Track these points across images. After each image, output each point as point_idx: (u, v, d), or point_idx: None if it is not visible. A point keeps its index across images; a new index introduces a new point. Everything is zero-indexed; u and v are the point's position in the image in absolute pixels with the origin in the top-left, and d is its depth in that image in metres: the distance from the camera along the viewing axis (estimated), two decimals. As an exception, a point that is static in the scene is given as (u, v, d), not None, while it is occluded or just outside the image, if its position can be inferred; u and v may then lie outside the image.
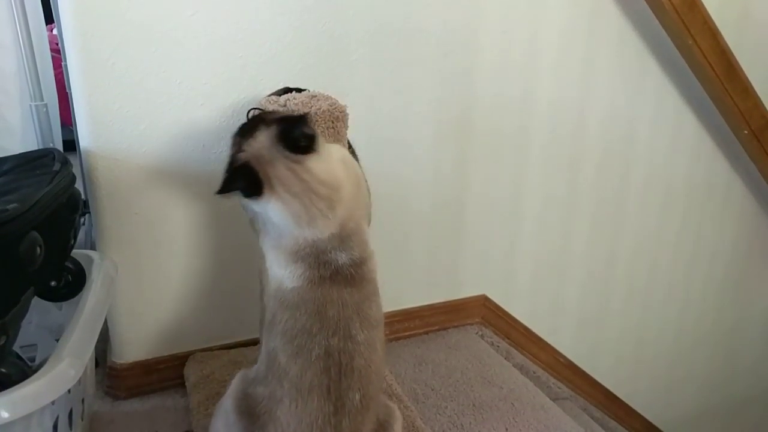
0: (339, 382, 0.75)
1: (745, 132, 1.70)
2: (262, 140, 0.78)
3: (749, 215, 2.00)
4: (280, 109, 0.94)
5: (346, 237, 0.80)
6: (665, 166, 1.74)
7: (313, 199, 0.77)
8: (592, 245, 1.71)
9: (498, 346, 1.56)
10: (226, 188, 0.77)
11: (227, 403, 0.83)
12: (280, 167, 0.77)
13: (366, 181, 0.95)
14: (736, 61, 1.56)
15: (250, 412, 0.80)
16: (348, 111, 1.00)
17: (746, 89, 1.62)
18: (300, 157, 0.77)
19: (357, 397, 0.76)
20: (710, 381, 2.26)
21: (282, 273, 0.80)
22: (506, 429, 1.20)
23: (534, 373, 1.63)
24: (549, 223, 1.60)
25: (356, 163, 0.94)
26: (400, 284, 1.44)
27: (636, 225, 1.77)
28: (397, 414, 0.88)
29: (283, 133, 0.77)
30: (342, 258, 0.79)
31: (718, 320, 2.15)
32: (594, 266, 1.75)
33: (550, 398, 1.38)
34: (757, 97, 1.65)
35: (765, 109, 1.68)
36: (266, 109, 0.96)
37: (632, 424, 1.99)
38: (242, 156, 0.78)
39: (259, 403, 0.79)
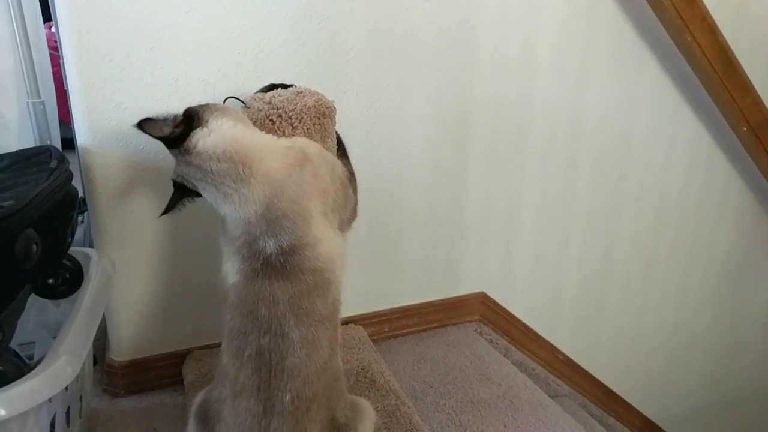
0: (269, 382, 0.74)
1: (744, 129, 1.69)
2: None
3: (748, 212, 2.00)
4: (265, 106, 0.93)
5: (274, 219, 0.76)
6: (663, 163, 1.74)
7: (215, 178, 0.78)
8: (589, 242, 1.71)
9: (497, 344, 1.56)
10: (167, 209, 0.86)
11: (189, 425, 0.85)
12: (181, 166, 0.81)
13: (351, 177, 0.94)
14: (735, 58, 1.56)
15: (204, 417, 0.81)
16: (336, 106, 0.97)
17: (745, 86, 1.62)
18: (182, 147, 0.79)
19: (287, 397, 0.73)
20: (708, 377, 2.26)
21: (226, 266, 0.81)
22: (505, 426, 1.20)
23: (533, 370, 1.63)
24: (547, 220, 1.60)
25: (328, 153, 0.91)
26: (399, 281, 1.44)
27: (634, 221, 1.77)
28: (368, 414, 0.84)
29: (159, 138, 0.80)
30: (270, 246, 0.76)
31: (716, 317, 2.15)
32: (592, 263, 1.75)
33: (549, 395, 1.38)
34: (756, 93, 1.65)
35: (764, 105, 1.68)
36: (250, 106, 0.96)
37: (631, 421, 1.99)
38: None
39: (212, 406, 0.80)
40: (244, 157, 0.78)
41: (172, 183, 0.85)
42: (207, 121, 0.79)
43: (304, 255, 0.77)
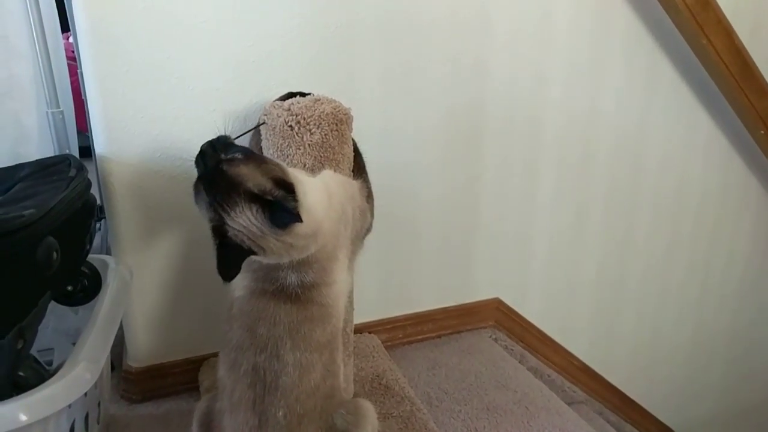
0: (263, 397, 0.77)
1: (762, 132, 1.68)
2: (248, 220, 0.72)
3: (766, 216, 1.97)
4: (284, 113, 0.94)
5: (305, 262, 0.78)
6: (679, 167, 1.72)
7: (291, 251, 0.76)
8: (605, 248, 1.70)
9: (512, 350, 1.55)
10: (228, 275, 0.74)
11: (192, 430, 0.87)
12: (270, 240, 0.73)
13: (369, 197, 0.95)
14: (752, 60, 1.54)
15: (208, 425, 0.84)
16: (353, 113, 0.99)
17: (762, 88, 1.60)
18: (283, 231, 0.73)
19: (280, 413, 0.77)
20: (727, 383, 2.23)
21: (236, 278, 0.78)
22: (520, 433, 1.19)
23: (548, 376, 1.62)
24: (562, 226, 1.59)
25: (347, 182, 0.92)
26: (413, 288, 1.44)
27: (651, 226, 1.76)
28: (371, 419, 0.84)
29: (275, 220, 0.72)
30: (291, 278, 0.79)
31: (734, 322, 2.12)
32: (607, 269, 1.74)
33: (565, 402, 1.37)
34: (774, 96, 1.63)
35: (782, 108, 1.66)
36: (269, 113, 0.97)
37: (648, 428, 1.97)
38: (232, 235, 0.72)
39: (216, 416, 0.83)
40: (317, 230, 0.77)
41: (218, 241, 0.74)
42: (301, 204, 0.73)
43: (320, 291, 0.81)
